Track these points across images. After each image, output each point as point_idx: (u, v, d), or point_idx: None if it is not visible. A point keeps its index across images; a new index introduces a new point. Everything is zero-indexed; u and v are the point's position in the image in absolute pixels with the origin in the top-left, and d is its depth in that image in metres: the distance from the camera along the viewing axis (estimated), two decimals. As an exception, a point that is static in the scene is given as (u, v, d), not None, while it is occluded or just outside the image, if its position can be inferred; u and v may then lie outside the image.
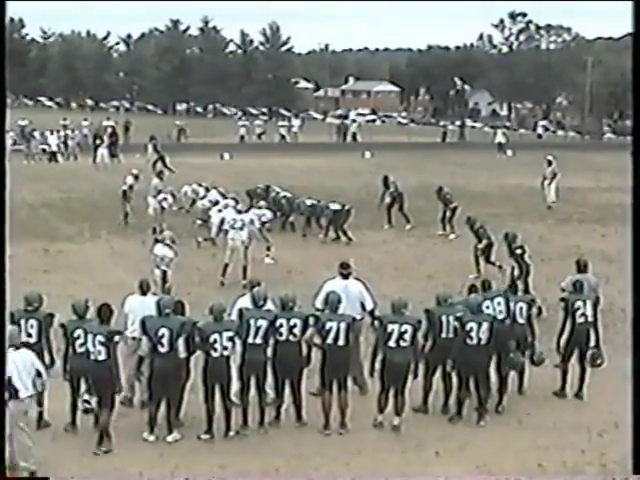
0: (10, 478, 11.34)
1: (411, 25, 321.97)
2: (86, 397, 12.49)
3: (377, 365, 13.31)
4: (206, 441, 12.81)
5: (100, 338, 12.35)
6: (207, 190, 31.06)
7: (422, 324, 13.44)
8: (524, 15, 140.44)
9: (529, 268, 20.19)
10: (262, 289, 13.74)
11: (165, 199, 28.86)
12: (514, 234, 20.83)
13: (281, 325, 13.07)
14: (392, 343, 13.07)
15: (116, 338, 12.52)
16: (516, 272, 20.02)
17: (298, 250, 25.93)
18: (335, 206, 27.56)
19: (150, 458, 12.26)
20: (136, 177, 31.34)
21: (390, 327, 13.08)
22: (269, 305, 13.59)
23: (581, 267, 16.48)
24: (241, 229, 22.16)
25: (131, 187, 30.68)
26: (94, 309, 13.01)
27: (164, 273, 18.93)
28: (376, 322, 13.63)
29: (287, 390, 13.31)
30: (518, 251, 20.35)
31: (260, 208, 25.78)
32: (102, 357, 12.34)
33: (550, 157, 36.46)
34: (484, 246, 22.89)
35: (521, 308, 14.48)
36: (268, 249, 24.36)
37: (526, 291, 18.12)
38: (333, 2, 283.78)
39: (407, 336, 13.08)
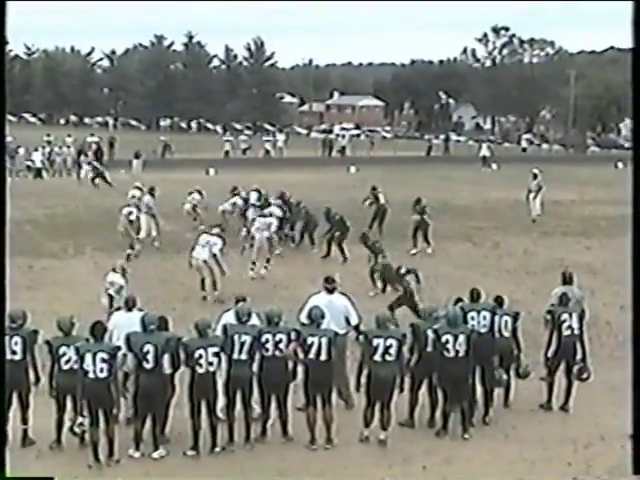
0: (10, 478, 11.26)
1: (395, 39, 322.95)
2: (80, 420, 12.41)
3: (363, 380, 13.29)
4: (192, 457, 12.77)
5: (103, 355, 12.30)
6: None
7: (407, 338, 13.44)
8: (507, 29, 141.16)
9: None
10: (246, 305, 13.74)
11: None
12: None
13: (267, 340, 13.05)
14: (378, 357, 13.07)
15: (119, 355, 12.47)
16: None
17: (284, 264, 25.87)
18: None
19: (136, 474, 12.21)
20: (140, 189, 30.84)
21: (375, 341, 13.08)
22: (254, 320, 13.57)
23: (566, 279, 16.49)
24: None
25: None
26: (79, 326, 12.98)
27: (111, 298, 18.50)
28: (361, 337, 13.62)
29: (273, 405, 13.28)
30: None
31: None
32: (104, 375, 12.29)
33: (535, 170, 36.50)
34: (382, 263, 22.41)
35: (506, 321, 14.50)
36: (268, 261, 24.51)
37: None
38: (317, 17, 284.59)
39: (392, 350, 13.08)
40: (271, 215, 26.03)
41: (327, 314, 13.53)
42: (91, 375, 12.27)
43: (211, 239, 22.17)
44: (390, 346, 13.07)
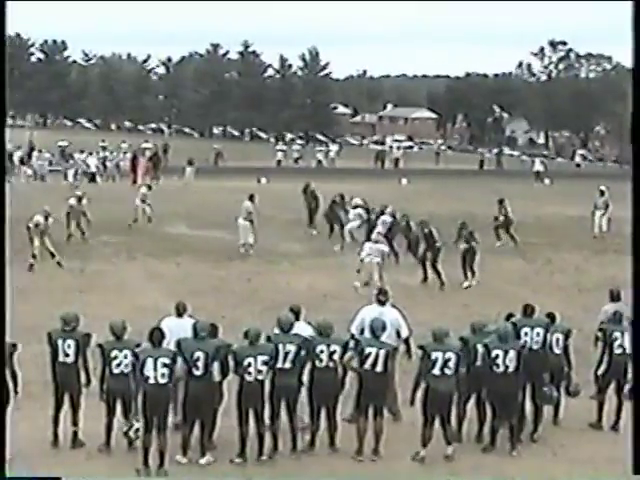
0: (10, 478, 11.30)
1: (450, 52, 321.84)
2: (137, 426, 12.46)
3: (419, 395, 13.20)
4: (239, 465, 12.78)
5: (164, 361, 12.37)
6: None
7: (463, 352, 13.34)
8: (564, 43, 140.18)
9: None
10: (287, 314, 13.72)
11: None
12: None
13: (321, 351, 13.05)
14: (436, 371, 12.99)
15: (179, 361, 12.55)
16: None
17: (334, 275, 25.84)
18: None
19: (182, 480, 12.27)
20: (79, 199, 30.92)
21: (434, 355, 13.01)
22: (302, 329, 13.55)
23: (614, 296, 16.35)
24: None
25: (72, 207, 30.51)
26: (130, 330, 13.07)
27: None
28: (419, 350, 13.51)
29: (322, 416, 13.26)
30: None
31: None
32: (164, 380, 12.35)
33: (602, 187, 35.95)
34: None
35: (557, 339, 14.38)
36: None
37: None
38: (372, 28, 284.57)
39: (451, 364, 13.01)
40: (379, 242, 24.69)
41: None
42: (151, 380, 12.31)
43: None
44: (449, 360, 13.00)
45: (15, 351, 12.69)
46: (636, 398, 12.17)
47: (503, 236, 31.74)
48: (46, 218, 26.94)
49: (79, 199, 30.66)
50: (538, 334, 14.15)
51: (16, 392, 12.69)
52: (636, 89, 13.04)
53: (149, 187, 36.97)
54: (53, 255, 26.13)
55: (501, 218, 31.88)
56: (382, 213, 29.10)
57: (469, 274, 25.09)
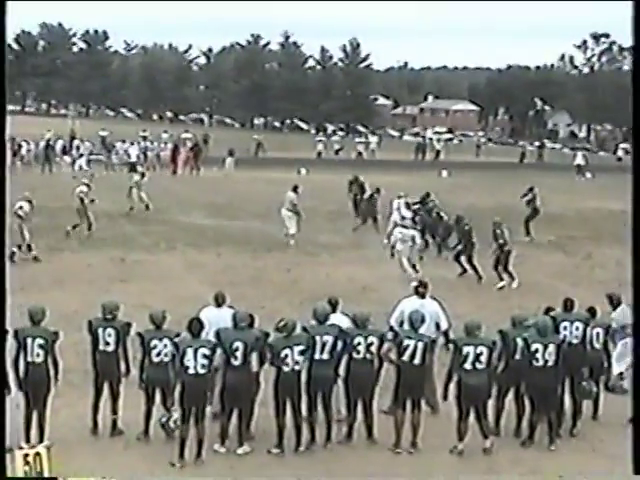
0: (10, 478, 11.39)
1: (491, 44, 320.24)
2: (176, 417, 12.52)
3: (452, 389, 13.16)
4: (276, 455, 12.81)
5: (204, 351, 12.38)
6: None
7: (496, 345, 13.30)
8: (607, 36, 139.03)
9: None
10: (323, 305, 13.70)
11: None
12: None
13: (359, 343, 13.04)
14: (468, 365, 12.94)
15: (218, 351, 12.60)
16: None
17: (373, 266, 25.82)
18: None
19: (220, 470, 12.30)
20: (88, 186, 30.35)
21: (465, 349, 12.96)
22: (339, 320, 13.55)
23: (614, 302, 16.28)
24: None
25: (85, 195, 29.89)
26: (170, 320, 13.13)
27: None
28: (450, 344, 13.53)
29: (359, 408, 13.27)
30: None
31: None
32: (204, 371, 12.37)
33: None
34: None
35: (597, 333, 14.29)
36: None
37: None
38: (412, 19, 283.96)
39: (483, 358, 12.95)
40: (412, 228, 25.16)
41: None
42: (191, 371, 12.33)
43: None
44: (480, 354, 12.95)
45: (57, 339, 12.76)
46: (636, 398, 12.09)
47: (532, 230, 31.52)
48: (29, 202, 26.56)
49: (87, 186, 30.21)
50: (577, 328, 14.07)
51: (57, 379, 12.77)
52: (636, 89, 12.97)
53: (142, 175, 37.08)
54: (30, 247, 25.49)
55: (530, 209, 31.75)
56: (423, 203, 29.14)
57: (505, 275, 24.05)
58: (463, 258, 24.96)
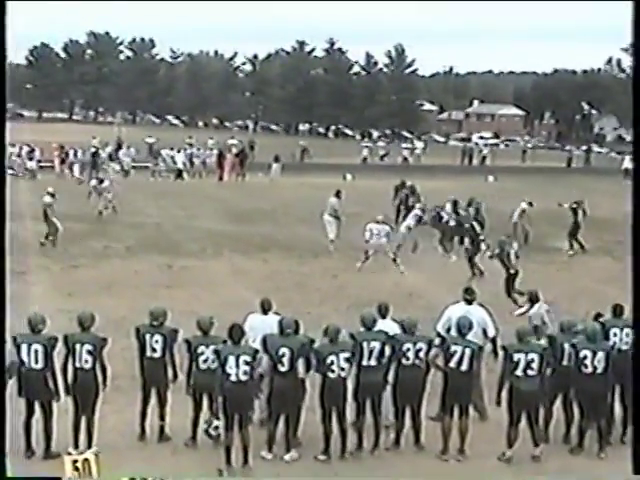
0: (11, 478, 11.42)
1: (537, 48, 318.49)
2: (216, 423, 12.52)
3: (504, 395, 13.03)
4: (323, 461, 12.78)
5: (245, 358, 12.36)
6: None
7: (548, 352, 13.17)
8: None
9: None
10: (370, 312, 13.67)
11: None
12: None
13: (408, 349, 13.00)
14: (519, 372, 12.84)
15: (258, 358, 12.60)
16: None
17: (420, 272, 25.73)
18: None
19: (267, 476, 12.29)
20: (52, 195, 29.71)
21: (516, 356, 12.86)
22: (388, 327, 13.51)
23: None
24: None
25: (50, 206, 29.21)
26: (217, 326, 13.15)
27: None
28: (499, 350, 13.43)
29: (407, 414, 13.21)
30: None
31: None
32: (245, 378, 12.35)
33: None
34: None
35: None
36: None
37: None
38: (458, 25, 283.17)
39: (534, 365, 12.84)
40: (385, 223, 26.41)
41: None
42: (233, 378, 12.31)
43: None
44: (532, 361, 12.84)
45: (105, 345, 12.82)
46: (636, 399, 11.96)
47: (574, 243, 30.44)
48: (52, 196, 28.56)
49: (52, 196, 29.59)
50: (627, 334, 13.90)
51: (105, 385, 12.83)
52: (636, 89, 12.83)
53: (100, 181, 37.48)
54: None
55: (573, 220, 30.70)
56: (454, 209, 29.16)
57: (516, 295, 22.17)
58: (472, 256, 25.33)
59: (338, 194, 29.51)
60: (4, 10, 12.26)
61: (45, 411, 12.53)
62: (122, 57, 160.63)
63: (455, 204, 29.18)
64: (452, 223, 28.18)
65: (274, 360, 12.69)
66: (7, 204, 13.42)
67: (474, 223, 26.11)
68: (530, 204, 31.62)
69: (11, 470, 11.39)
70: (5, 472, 11.28)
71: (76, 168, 39.47)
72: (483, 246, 24.91)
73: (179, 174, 55.13)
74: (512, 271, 22.38)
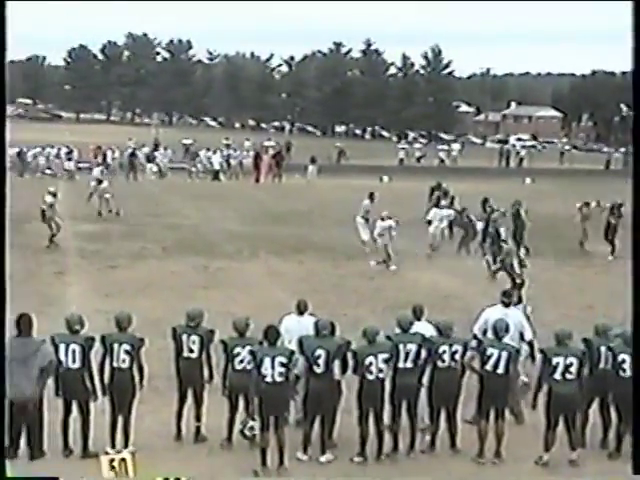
0: (11, 478, 11.45)
1: (575, 50, 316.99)
2: (252, 424, 12.52)
3: (541, 399, 12.97)
4: (359, 463, 12.76)
5: (281, 359, 12.35)
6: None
7: (586, 355, 13.06)
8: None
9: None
10: (406, 314, 13.64)
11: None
12: None
13: (444, 352, 12.97)
14: (558, 376, 12.75)
15: (293, 359, 12.59)
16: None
17: (457, 275, 25.63)
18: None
19: (303, 477, 12.29)
20: (54, 195, 29.86)
21: (555, 360, 12.77)
22: (423, 329, 13.47)
23: None
24: None
25: (51, 206, 29.21)
26: (253, 327, 13.17)
27: None
28: (537, 353, 13.35)
29: (442, 417, 13.18)
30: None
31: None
32: (281, 379, 12.35)
33: None
34: None
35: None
36: None
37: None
38: (495, 26, 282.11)
39: (573, 369, 12.74)
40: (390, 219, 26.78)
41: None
42: (269, 379, 12.30)
43: None
44: (571, 364, 12.74)
45: (142, 345, 12.89)
46: (636, 399, 11.84)
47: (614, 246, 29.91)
48: (54, 196, 28.66)
49: (54, 195, 29.77)
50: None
51: (142, 385, 12.90)
52: (636, 89, 12.70)
53: (99, 182, 37.25)
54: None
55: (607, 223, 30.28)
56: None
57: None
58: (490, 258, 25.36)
59: (372, 196, 29.50)
60: (4, 10, 12.29)
61: (82, 411, 12.61)
62: (159, 58, 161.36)
63: (484, 204, 29.08)
64: (479, 226, 28.08)
65: (310, 362, 12.69)
66: (15, 205, 13.48)
67: (501, 229, 26.02)
68: (598, 204, 31.50)
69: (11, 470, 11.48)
70: (5, 472, 11.35)
71: (96, 171, 39.93)
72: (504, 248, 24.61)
73: (216, 175, 55.34)
74: (518, 281, 22.20)
